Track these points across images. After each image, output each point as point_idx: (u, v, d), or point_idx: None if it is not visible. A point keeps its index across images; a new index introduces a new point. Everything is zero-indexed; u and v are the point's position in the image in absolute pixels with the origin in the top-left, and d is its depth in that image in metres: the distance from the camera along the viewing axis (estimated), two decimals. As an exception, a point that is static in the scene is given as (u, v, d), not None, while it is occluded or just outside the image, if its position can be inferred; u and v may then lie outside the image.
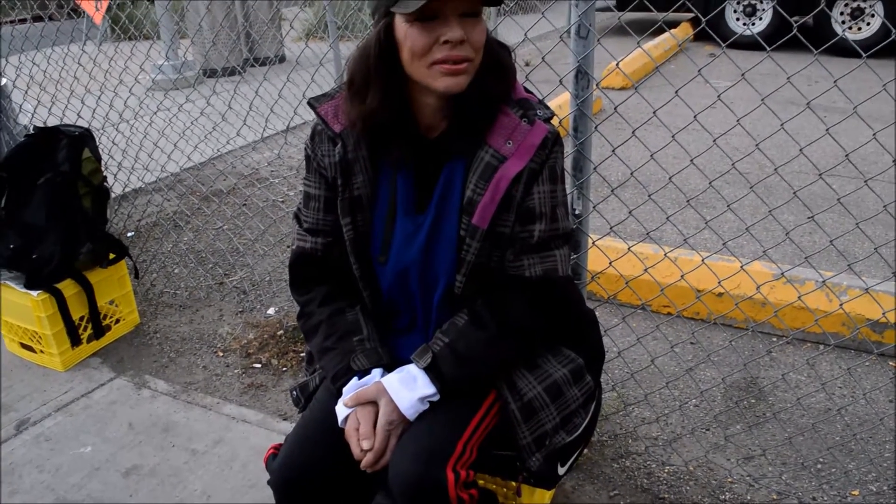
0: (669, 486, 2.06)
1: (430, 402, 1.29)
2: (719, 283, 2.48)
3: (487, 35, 1.26)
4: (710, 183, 2.17)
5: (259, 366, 2.72)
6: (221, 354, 2.81)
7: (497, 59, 1.29)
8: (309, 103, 1.39)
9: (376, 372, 1.34)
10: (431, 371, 1.29)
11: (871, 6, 7.40)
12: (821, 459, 2.14)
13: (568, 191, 1.60)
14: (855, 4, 7.53)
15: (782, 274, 2.28)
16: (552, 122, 1.34)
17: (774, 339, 2.76)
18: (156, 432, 2.35)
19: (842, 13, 7.60)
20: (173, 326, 3.03)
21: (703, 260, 2.25)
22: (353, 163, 1.34)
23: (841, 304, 2.23)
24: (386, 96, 1.25)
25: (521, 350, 1.36)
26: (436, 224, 1.33)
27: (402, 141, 1.30)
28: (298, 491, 1.33)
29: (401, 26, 1.20)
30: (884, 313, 2.38)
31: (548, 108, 1.35)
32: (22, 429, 2.39)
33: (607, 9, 9.48)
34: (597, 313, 1.61)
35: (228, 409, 2.46)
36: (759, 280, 2.64)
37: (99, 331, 2.84)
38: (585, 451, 2.17)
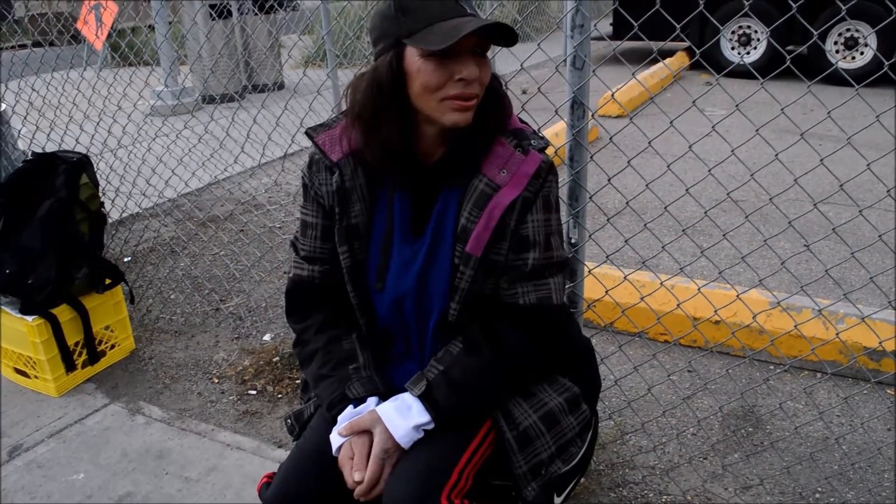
0: (667, 516, 2.05)
1: (424, 430, 1.29)
2: (716, 311, 2.49)
3: None
4: (705, 212, 2.18)
5: (254, 393, 2.71)
6: (216, 381, 2.80)
7: (494, 90, 1.31)
8: (306, 133, 1.40)
9: (371, 400, 1.33)
10: (426, 399, 1.29)
11: (864, 36, 7.49)
12: (819, 489, 2.13)
13: (564, 219, 1.61)
14: (849, 34, 7.63)
15: (778, 303, 2.29)
16: (547, 151, 1.36)
17: (772, 368, 2.76)
18: (149, 459, 2.33)
19: (836, 42, 7.69)
20: (169, 352, 3.02)
21: (699, 289, 2.26)
22: (351, 191, 1.35)
23: (837, 333, 2.23)
24: (401, 127, 1.27)
25: (516, 378, 1.36)
26: (431, 251, 1.34)
27: (403, 168, 1.32)
28: (292, 520, 1.32)
29: (413, 59, 1.22)
30: (881, 342, 2.38)
31: (542, 138, 1.37)
32: (14, 455, 2.37)
33: (602, 38, 9.58)
34: (593, 341, 1.61)
35: (223, 436, 2.45)
36: (755, 308, 2.65)
37: (94, 356, 2.83)
38: (582, 480, 2.16)
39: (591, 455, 1.53)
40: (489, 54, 1.27)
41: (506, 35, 1.22)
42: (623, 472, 2.23)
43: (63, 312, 2.71)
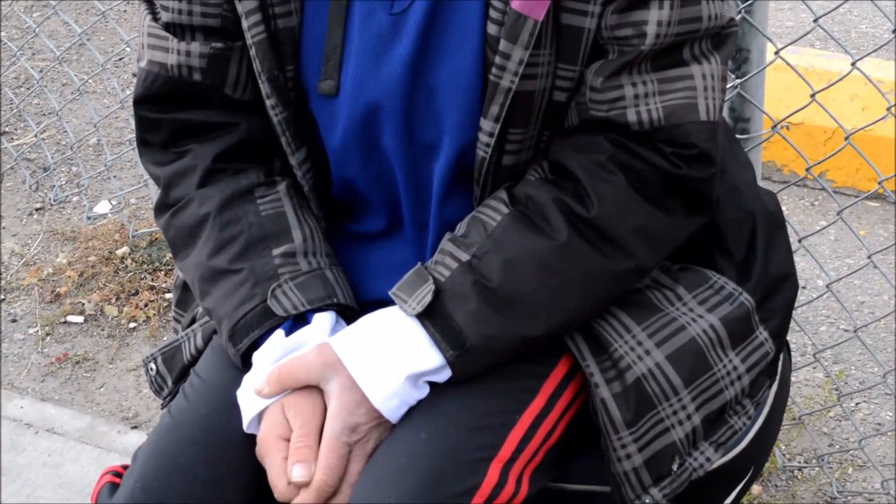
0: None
1: (429, 382, 1.32)
2: None
3: None
4: None
5: (80, 320, 2.76)
6: (-1, 297, 2.85)
7: None
8: None
9: (323, 320, 1.36)
10: (434, 322, 1.31)
11: None
12: None
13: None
14: None
15: None
16: None
17: None
18: None
19: None
20: None
21: None
22: None
23: None
24: None
25: (620, 275, 1.38)
26: (434, 15, 1.34)
27: None
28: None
29: None
30: None
31: None
32: None
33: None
34: (783, 201, 1.62)
35: (17, 405, 2.51)
36: None
37: None
38: (755, 487, 2.22)
39: (776, 435, 1.57)
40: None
41: None
42: (844, 471, 2.26)
43: None
